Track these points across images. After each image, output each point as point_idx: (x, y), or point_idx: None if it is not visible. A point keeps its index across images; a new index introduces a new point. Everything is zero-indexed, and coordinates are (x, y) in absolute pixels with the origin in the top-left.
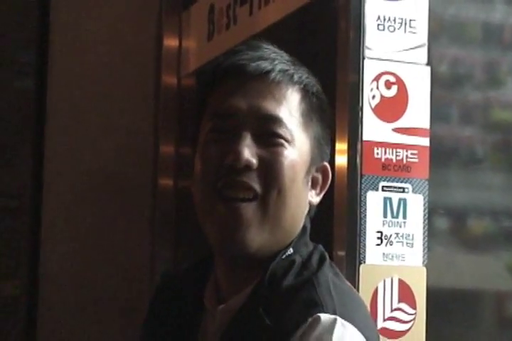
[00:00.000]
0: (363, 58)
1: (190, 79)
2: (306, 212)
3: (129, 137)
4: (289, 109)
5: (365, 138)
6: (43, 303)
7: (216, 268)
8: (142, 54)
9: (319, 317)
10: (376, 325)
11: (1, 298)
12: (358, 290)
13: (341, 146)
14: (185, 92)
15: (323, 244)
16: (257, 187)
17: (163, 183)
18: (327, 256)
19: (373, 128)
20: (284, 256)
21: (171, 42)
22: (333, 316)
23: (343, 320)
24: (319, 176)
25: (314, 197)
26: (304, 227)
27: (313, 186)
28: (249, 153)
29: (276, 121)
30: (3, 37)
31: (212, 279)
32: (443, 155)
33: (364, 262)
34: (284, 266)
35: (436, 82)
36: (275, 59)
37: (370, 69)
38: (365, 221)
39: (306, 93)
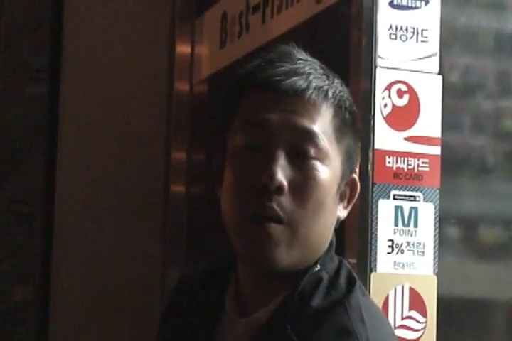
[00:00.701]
0: (375, 67)
1: (203, 86)
2: (333, 226)
3: (141, 143)
4: (323, 125)
5: (376, 146)
6: (54, 308)
7: (240, 278)
8: (155, 60)
9: None
10: None
11: (13, 302)
12: None
13: None
14: (198, 99)
15: (335, 253)
16: (286, 213)
17: (175, 190)
18: (355, 275)
19: (385, 137)
20: (312, 272)
21: (183, 49)
22: None
23: None
24: (347, 189)
25: (342, 211)
26: (331, 242)
27: (341, 199)
28: (282, 174)
29: (310, 136)
30: (17, 43)
31: (233, 287)
32: (454, 164)
33: (375, 270)
34: (311, 283)
35: (448, 91)
36: (310, 74)
37: (382, 78)
38: (376, 229)
39: (339, 108)
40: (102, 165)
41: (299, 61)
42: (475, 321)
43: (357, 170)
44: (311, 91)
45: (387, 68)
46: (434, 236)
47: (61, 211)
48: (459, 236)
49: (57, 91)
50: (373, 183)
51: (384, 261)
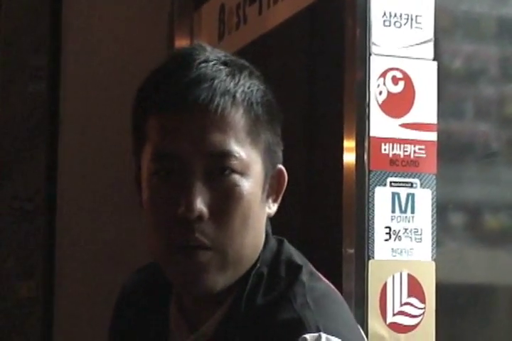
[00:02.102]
0: (370, 54)
1: None
2: (264, 227)
3: None
4: (236, 136)
5: (372, 134)
6: (58, 305)
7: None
8: (154, 55)
9: (305, 338)
10: (363, 327)
11: (17, 299)
12: (367, 285)
13: (349, 143)
14: None
15: (332, 240)
16: (210, 240)
17: None
18: (295, 254)
19: (380, 124)
20: (253, 273)
21: (182, 42)
22: (316, 334)
23: (327, 335)
24: (274, 182)
25: (272, 208)
26: (266, 234)
27: (270, 194)
28: (201, 201)
29: (225, 155)
30: (16, 41)
31: (176, 300)
32: (456, 150)
33: (373, 257)
34: (253, 284)
35: (450, 78)
36: (214, 78)
37: (376, 65)
38: (373, 216)
39: (250, 107)
40: (104, 162)
41: (200, 65)
42: (474, 307)
43: (281, 159)
44: (216, 100)
45: (382, 55)
46: (432, 222)
47: (64, 208)
48: (459, 223)
49: (57, 89)
50: (369, 171)
51: (381, 248)
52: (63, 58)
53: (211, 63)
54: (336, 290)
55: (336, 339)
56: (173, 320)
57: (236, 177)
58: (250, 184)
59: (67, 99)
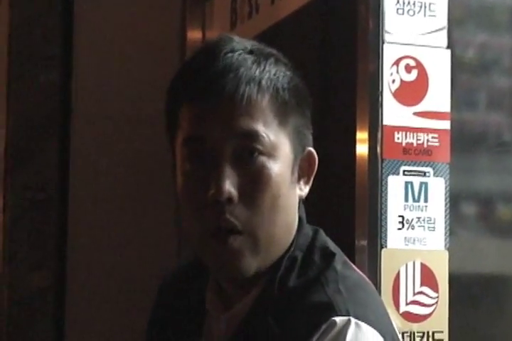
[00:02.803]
0: (383, 43)
1: None
2: (296, 209)
3: (155, 129)
4: (264, 117)
5: (385, 122)
6: (70, 294)
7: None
8: (166, 46)
9: (334, 321)
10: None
11: (30, 288)
12: (379, 274)
13: (362, 131)
14: None
15: (345, 229)
16: (241, 222)
17: None
18: (329, 243)
19: (393, 113)
20: (286, 257)
21: (194, 34)
22: (346, 317)
23: (356, 320)
24: (305, 164)
25: (303, 189)
26: (300, 219)
27: (301, 177)
28: (230, 184)
29: (252, 136)
30: (28, 32)
31: (212, 281)
32: (469, 139)
33: (386, 246)
34: (287, 267)
35: (463, 68)
36: (239, 67)
37: (389, 53)
38: (386, 205)
39: (277, 93)
40: (116, 152)
41: (227, 55)
42: (487, 296)
43: (311, 142)
44: (242, 89)
45: (395, 43)
46: (445, 211)
47: (76, 197)
48: (472, 212)
49: (69, 79)
50: (382, 159)
51: (395, 237)
52: (75, 48)
53: (237, 53)
54: (368, 280)
55: (365, 324)
56: (209, 301)
57: (264, 159)
58: (279, 166)
59: (78, 89)
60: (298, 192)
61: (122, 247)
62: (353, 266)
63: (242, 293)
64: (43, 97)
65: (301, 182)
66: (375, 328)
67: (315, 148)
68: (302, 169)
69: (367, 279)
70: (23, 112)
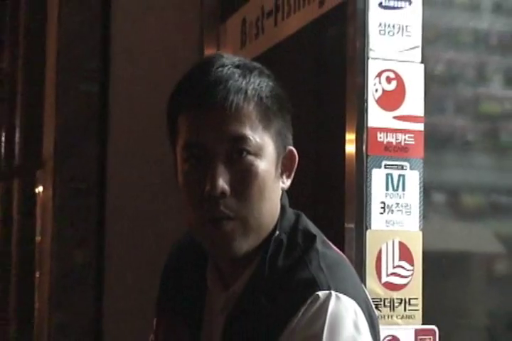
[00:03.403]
0: (368, 58)
1: None
2: (279, 199)
3: None
4: (250, 122)
5: (369, 125)
6: (108, 268)
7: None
8: (187, 61)
9: (317, 295)
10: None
11: (74, 264)
12: (365, 251)
13: (350, 132)
14: None
15: (336, 213)
16: (234, 211)
17: None
18: (310, 226)
19: (376, 117)
20: (272, 239)
21: (210, 50)
22: (327, 291)
23: (336, 293)
24: (287, 161)
25: (286, 182)
26: (282, 206)
27: (283, 172)
28: (223, 180)
29: (241, 140)
30: (71, 48)
31: (211, 264)
32: (439, 139)
33: (370, 228)
34: (274, 249)
35: (434, 79)
36: (228, 79)
37: (373, 67)
38: (370, 193)
39: (260, 100)
40: (147, 150)
41: (218, 69)
42: (454, 269)
43: (291, 142)
44: (231, 97)
45: (378, 59)
46: (419, 198)
47: (112, 187)
48: (440, 199)
49: (107, 89)
50: (367, 155)
51: (377, 220)
52: (112, 63)
53: (226, 67)
54: (344, 257)
55: (344, 296)
56: (210, 279)
57: (251, 158)
58: (264, 163)
59: (114, 97)
60: (281, 184)
61: (153, 227)
62: (332, 245)
63: (238, 273)
64: (84, 104)
65: (284, 176)
66: (352, 298)
67: (312, 148)
68: (284, 165)
69: (343, 256)
70: (68, 116)
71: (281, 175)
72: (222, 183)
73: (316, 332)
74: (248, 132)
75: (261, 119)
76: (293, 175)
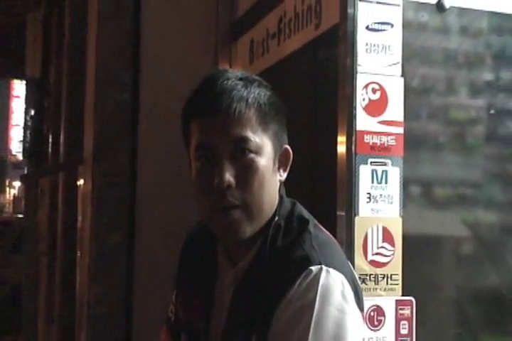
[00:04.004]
0: (356, 72)
1: None
2: (277, 190)
3: None
4: (251, 126)
5: (358, 128)
6: (138, 248)
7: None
8: (204, 74)
9: (310, 269)
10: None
11: (109, 244)
12: (354, 234)
13: (341, 135)
14: None
15: (330, 203)
16: (239, 201)
17: None
18: (304, 212)
19: (364, 121)
20: (272, 224)
21: (224, 65)
22: (319, 266)
23: (326, 267)
24: (283, 158)
25: (282, 175)
26: (280, 196)
27: (280, 166)
28: (229, 175)
29: (243, 140)
30: (107, 64)
31: (221, 245)
32: (416, 140)
33: (358, 215)
34: (274, 232)
35: (411, 91)
36: (232, 90)
37: (361, 80)
38: (358, 186)
39: (259, 107)
40: (172, 150)
41: (223, 82)
42: (429, 249)
43: (286, 141)
44: (234, 105)
45: (365, 73)
46: (399, 190)
47: (141, 181)
48: (417, 191)
49: (137, 99)
50: (356, 154)
51: (364, 208)
52: (142, 76)
53: (230, 80)
54: (333, 238)
55: (333, 270)
56: (220, 258)
57: (253, 155)
58: (263, 160)
59: (144, 105)
60: (278, 177)
61: (175, 215)
62: (322, 228)
63: (243, 253)
64: (118, 110)
65: (281, 171)
66: (339, 272)
67: (309, 148)
68: (281, 161)
69: (332, 237)
70: (104, 121)
71: (279, 169)
72: (229, 177)
73: (310, 300)
74: (249, 134)
75: (260, 123)
76: (288, 169)
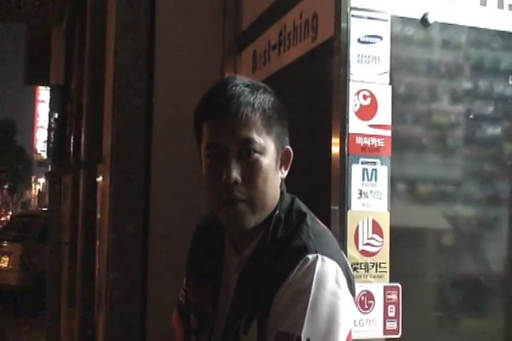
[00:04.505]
0: (349, 81)
1: None
2: (279, 186)
3: None
4: (256, 128)
5: (350, 131)
6: (152, 238)
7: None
8: (212, 82)
9: (307, 257)
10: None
11: (126, 233)
12: (346, 227)
13: (335, 137)
14: None
15: (325, 198)
16: (244, 195)
17: None
18: (302, 207)
19: (356, 125)
20: (274, 217)
21: (230, 73)
22: (315, 255)
23: (322, 256)
24: (284, 157)
25: (284, 173)
26: (281, 192)
27: (281, 165)
28: (235, 172)
29: (249, 141)
30: (124, 72)
31: (228, 236)
32: (402, 142)
33: (350, 209)
34: (275, 224)
35: (398, 97)
36: (240, 95)
37: (353, 87)
38: (350, 183)
39: (264, 111)
40: (184, 150)
41: (232, 88)
42: (413, 240)
43: (288, 142)
44: (242, 109)
45: (357, 81)
46: (387, 187)
47: (155, 178)
48: (402, 188)
49: (151, 104)
50: (348, 154)
51: (356, 203)
52: (155, 84)
53: (238, 86)
54: (328, 230)
55: (328, 258)
56: (227, 247)
57: (257, 155)
58: (267, 159)
59: (157, 110)
60: (280, 175)
61: (186, 208)
62: (318, 221)
63: (248, 242)
64: (134, 114)
65: (282, 169)
66: (334, 260)
67: (306, 149)
68: (282, 160)
69: (327, 229)
70: (121, 124)
71: (280, 167)
72: (236, 174)
73: (307, 285)
74: (255, 136)
75: (264, 126)
76: (289, 167)
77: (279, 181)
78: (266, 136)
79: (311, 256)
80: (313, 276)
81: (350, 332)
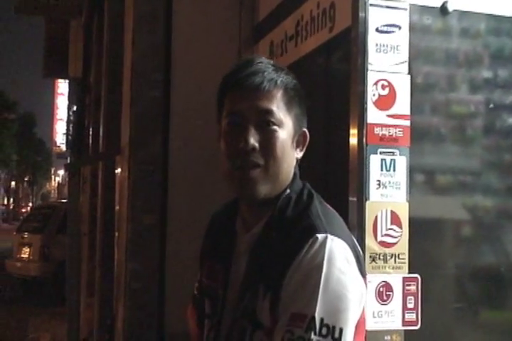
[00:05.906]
0: (367, 70)
1: None
2: (294, 164)
3: None
4: (277, 103)
5: (368, 121)
6: (169, 229)
7: (241, 208)
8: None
9: (317, 237)
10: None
11: (144, 225)
12: (365, 217)
13: (354, 127)
14: None
15: (343, 188)
16: (260, 161)
17: None
18: (313, 191)
19: (374, 115)
20: (284, 195)
21: None
22: (325, 234)
23: (331, 235)
24: (301, 138)
25: (299, 154)
26: (295, 173)
27: (297, 146)
28: (253, 139)
29: (268, 112)
30: (141, 64)
31: (240, 214)
32: (421, 132)
33: (369, 199)
34: (285, 202)
35: (417, 87)
36: (264, 71)
37: (371, 77)
38: (369, 173)
39: (285, 89)
40: (201, 142)
41: (257, 64)
42: (432, 231)
43: (305, 125)
44: (265, 83)
45: (375, 71)
46: (406, 177)
47: (173, 168)
48: (421, 178)
49: (168, 95)
50: (367, 145)
51: (374, 194)
52: (172, 75)
53: (263, 63)
54: (335, 212)
55: (337, 238)
56: (238, 226)
57: (275, 127)
58: (284, 133)
59: (174, 101)
60: (295, 155)
61: (203, 199)
62: (327, 204)
63: (257, 220)
64: (151, 106)
65: (298, 149)
66: (342, 240)
67: (324, 139)
68: (299, 141)
69: (334, 211)
70: (139, 115)
71: (296, 147)
72: (253, 141)
73: (319, 263)
74: (274, 108)
75: (285, 103)
76: (304, 149)
77: (294, 160)
78: (286, 112)
79: (320, 236)
80: (323, 255)
81: (363, 311)
